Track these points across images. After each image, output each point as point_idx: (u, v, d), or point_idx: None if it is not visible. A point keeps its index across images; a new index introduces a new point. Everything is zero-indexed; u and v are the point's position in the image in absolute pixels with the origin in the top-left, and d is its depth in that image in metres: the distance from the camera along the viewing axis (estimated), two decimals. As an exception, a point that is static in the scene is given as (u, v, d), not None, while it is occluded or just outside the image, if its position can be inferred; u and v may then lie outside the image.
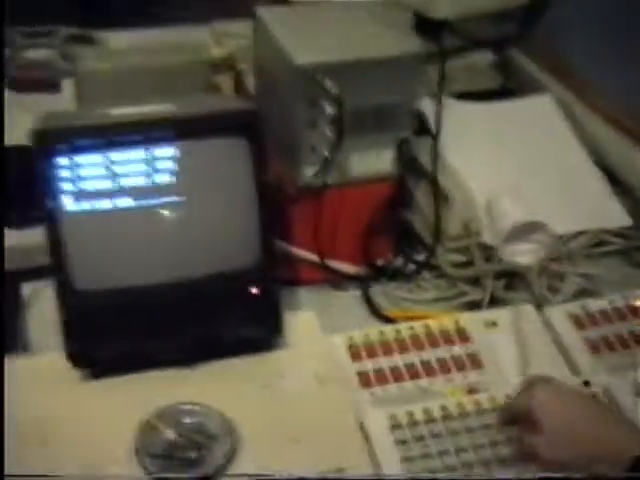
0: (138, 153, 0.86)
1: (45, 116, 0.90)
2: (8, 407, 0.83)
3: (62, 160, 0.84)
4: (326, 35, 1.09)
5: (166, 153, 0.86)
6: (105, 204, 0.86)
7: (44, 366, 0.91)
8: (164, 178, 0.87)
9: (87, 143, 0.84)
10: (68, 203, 0.85)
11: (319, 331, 0.97)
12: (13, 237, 1.16)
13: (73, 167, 0.84)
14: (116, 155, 0.85)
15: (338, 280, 1.10)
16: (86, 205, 0.85)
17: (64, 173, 0.84)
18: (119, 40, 1.57)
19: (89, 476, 0.80)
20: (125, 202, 0.86)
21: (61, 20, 1.82)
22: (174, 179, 0.87)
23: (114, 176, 0.85)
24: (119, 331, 0.87)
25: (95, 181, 0.85)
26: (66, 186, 0.85)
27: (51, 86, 1.52)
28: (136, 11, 2.36)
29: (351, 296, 1.09)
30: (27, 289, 1.07)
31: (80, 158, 0.84)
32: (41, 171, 0.84)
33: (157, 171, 0.86)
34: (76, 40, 1.62)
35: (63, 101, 1.49)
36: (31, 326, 1.03)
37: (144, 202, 0.87)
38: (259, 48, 1.15)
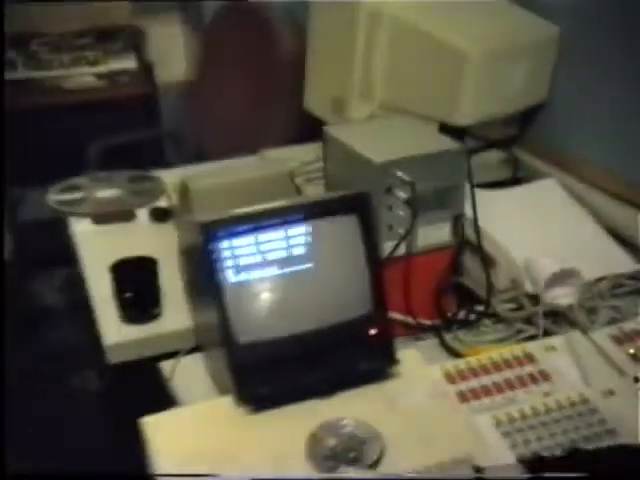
0: (278, 233, 1.13)
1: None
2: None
3: (224, 243, 1.10)
4: (384, 139, 1.41)
5: (299, 231, 1.14)
6: (256, 274, 1.12)
7: (210, 409, 1.13)
8: (298, 250, 1.14)
9: (240, 229, 1.11)
10: (230, 276, 1.11)
11: (422, 362, 1.21)
12: (133, 331, 1.42)
13: (232, 248, 1.11)
14: (262, 236, 1.12)
15: (418, 332, 1.36)
16: (243, 276, 1.11)
17: (226, 253, 1.11)
18: (173, 175, 1.87)
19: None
20: (271, 271, 1.13)
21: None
22: (306, 250, 1.14)
23: (261, 252, 1.12)
24: (274, 372, 1.11)
25: (248, 257, 1.12)
26: (227, 263, 1.11)
27: (126, 217, 1.82)
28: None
29: (430, 344, 1.35)
30: (165, 366, 1.32)
31: (236, 241, 1.11)
32: (207, 253, 1.10)
33: (293, 245, 1.13)
34: (136, 179, 1.93)
35: (140, 227, 1.80)
36: (177, 394, 1.27)
37: (286, 270, 1.13)
38: (331, 156, 1.45)
